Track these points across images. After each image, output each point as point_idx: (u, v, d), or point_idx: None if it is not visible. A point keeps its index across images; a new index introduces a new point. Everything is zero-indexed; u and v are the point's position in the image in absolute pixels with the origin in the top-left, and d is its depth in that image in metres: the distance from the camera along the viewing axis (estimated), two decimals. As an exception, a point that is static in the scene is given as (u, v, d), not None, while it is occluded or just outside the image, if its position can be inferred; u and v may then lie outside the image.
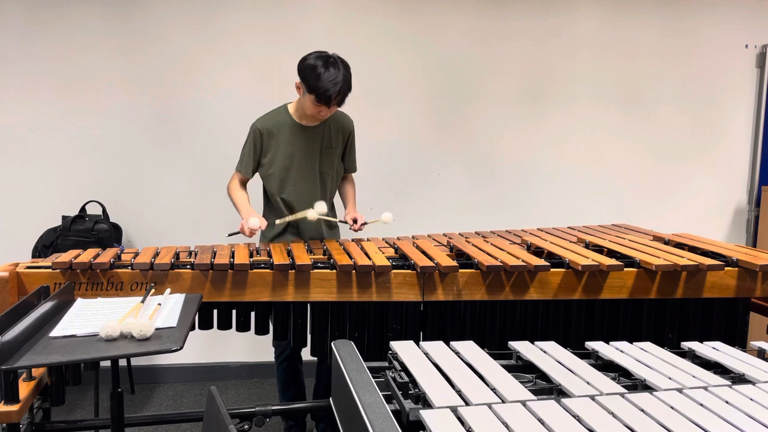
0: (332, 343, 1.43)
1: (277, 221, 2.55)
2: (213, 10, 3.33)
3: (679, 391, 1.24)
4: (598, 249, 2.37)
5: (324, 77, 2.31)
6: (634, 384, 1.33)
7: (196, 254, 2.20)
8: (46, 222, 3.19)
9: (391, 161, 3.51)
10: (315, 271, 2.09)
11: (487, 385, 1.24)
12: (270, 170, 2.59)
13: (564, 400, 1.16)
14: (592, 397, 1.19)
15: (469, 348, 1.45)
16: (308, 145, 2.56)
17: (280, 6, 3.36)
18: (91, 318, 1.63)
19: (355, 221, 2.57)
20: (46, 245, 3.10)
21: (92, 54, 3.27)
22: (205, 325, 2.12)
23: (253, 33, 3.36)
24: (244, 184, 2.65)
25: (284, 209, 2.59)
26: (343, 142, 2.66)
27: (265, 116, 2.61)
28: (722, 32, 3.71)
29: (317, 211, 2.46)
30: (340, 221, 2.67)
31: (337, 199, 2.77)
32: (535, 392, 1.24)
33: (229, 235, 2.53)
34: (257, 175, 2.66)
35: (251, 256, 2.19)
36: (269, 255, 2.20)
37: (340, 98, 2.38)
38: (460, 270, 2.09)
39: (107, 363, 1.66)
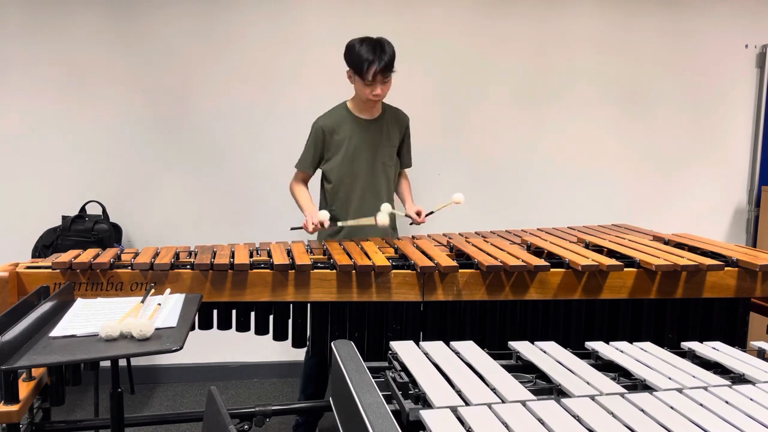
0: (332, 343, 1.42)
1: (339, 223, 2.57)
2: (213, 11, 3.33)
3: (679, 391, 1.24)
4: (598, 249, 2.37)
5: (362, 50, 2.42)
6: (634, 384, 1.33)
7: (196, 254, 2.20)
8: (46, 222, 3.20)
9: (391, 161, 3.51)
10: (315, 271, 2.09)
11: (487, 385, 1.24)
12: (333, 165, 2.63)
13: (564, 400, 1.16)
14: (592, 397, 1.19)
15: (469, 348, 1.45)
16: (370, 140, 2.62)
17: (280, 7, 3.36)
18: (91, 318, 1.63)
19: (418, 214, 2.62)
20: (46, 245, 3.10)
21: (93, 54, 3.27)
22: (205, 325, 2.12)
23: (253, 33, 3.36)
24: (305, 181, 2.71)
25: (344, 205, 2.62)
26: (400, 137, 2.72)
27: (325, 114, 2.67)
28: (722, 32, 3.71)
29: (381, 218, 2.47)
30: (406, 215, 2.68)
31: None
32: (535, 392, 1.23)
33: (292, 229, 2.58)
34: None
35: (251, 256, 2.19)
36: (269, 255, 2.20)
37: (384, 66, 2.44)
38: (460, 270, 2.09)
39: (107, 363, 1.67)
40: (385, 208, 2.50)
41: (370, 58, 2.41)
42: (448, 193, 3.46)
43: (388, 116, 2.68)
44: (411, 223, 2.69)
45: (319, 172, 2.75)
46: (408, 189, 2.83)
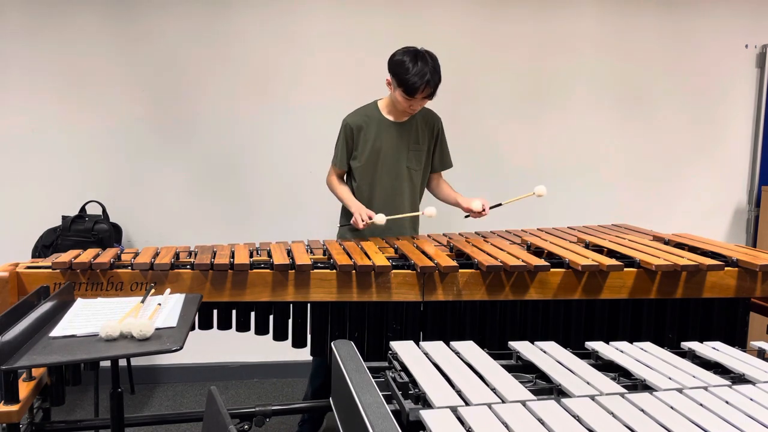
0: (332, 343, 1.42)
1: (388, 217, 2.54)
2: (213, 11, 3.33)
3: (679, 391, 1.24)
4: (598, 249, 2.37)
5: (413, 71, 2.40)
6: (634, 384, 1.33)
7: (196, 254, 2.20)
8: (46, 222, 3.19)
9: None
10: (315, 271, 2.09)
11: (487, 385, 1.23)
12: (358, 164, 2.64)
13: (564, 400, 1.16)
14: (592, 397, 1.19)
15: (469, 348, 1.45)
16: (396, 141, 2.61)
17: (280, 7, 3.36)
18: (91, 318, 1.63)
19: (474, 209, 2.56)
20: (46, 245, 3.10)
21: (92, 54, 3.27)
22: (205, 325, 2.12)
23: (254, 34, 3.36)
24: (341, 177, 2.72)
25: (366, 205, 2.60)
26: (431, 139, 2.70)
27: (355, 111, 2.67)
28: (722, 32, 3.70)
29: (380, 220, 2.48)
30: (466, 216, 2.66)
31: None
32: (535, 392, 1.23)
33: (342, 226, 2.60)
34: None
35: (251, 256, 2.19)
36: (269, 255, 2.20)
37: (431, 90, 2.45)
38: (460, 270, 2.09)
39: (107, 363, 1.67)
40: (380, 218, 2.48)
41: (419, 84, 2.40)
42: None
43: (419, 118, 2.65)
44: (466, 216, 2.65)
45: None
46: (451, 188, 2.77)
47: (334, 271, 2.09)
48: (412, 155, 2.65)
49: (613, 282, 2.12)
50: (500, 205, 2.59)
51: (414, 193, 2.70)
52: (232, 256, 2.15)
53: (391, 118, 2.62)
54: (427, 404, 1.16)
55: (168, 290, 1.89)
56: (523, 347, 1.48)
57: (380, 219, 2.49)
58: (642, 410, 1.13)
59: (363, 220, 2.48)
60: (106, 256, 2.10)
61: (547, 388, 1.29)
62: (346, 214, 2.66)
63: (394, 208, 2.61)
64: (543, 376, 1.35)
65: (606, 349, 1.50)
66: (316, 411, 2.75)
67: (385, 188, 2.63)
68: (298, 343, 2.18)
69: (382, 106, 2.65)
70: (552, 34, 3.57)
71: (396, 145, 2.62)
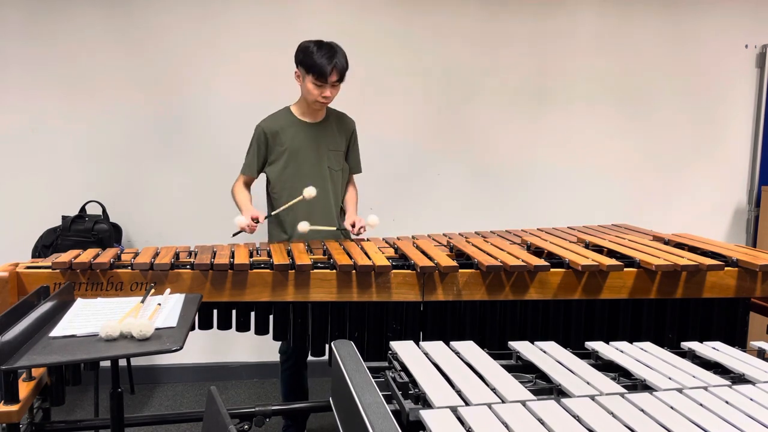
0: (332, 343, 1.43)
1: (273, 212, 2.52)
2: (213, 11, 3.33)
3: (679, 391, 1.24)
4: (598, 249, 2.37)
5: (318, 53, 2.41)
6: (634, 384, 1.33)
7: (196, 254, 2.20)
8: (46, 222, 3.19)
9: (391, 161, 3.51)
10: (315, 271, 2.09)
11: (487, 385, 1.24)
12: (276, 169, 2.59)
13: (564, 400, 1.16)
14: (592, 397, 1.19)
15: (469, 348, 1.45)
16: (314, 143, 2.58)
17: (280, 7, 3.36)
18: (91, 318, 1.63)
19: (353, 225, 2.51)
20: (46, 245, 3.10)
21: (92, 54, 3.27)
22: (205, 325, 2.12)
23: (253, 33, 3.36)
24: (248, 185, 2.66)
25: (291, 210, 2.51)
26: (346, 142, 2.68)
27: (268, 117, 2.63)
28: (722, 32, 3.70)
29: (307, 194, 2.41)
30: (338, 229, 2.59)
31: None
32: (535, 392, 1.23)
33: (234, 235, 2.52)
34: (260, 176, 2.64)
35: (251, 256, 2.19)
36: (269, 255, 2.19)
37: (338, 71, 2.43)
38: (460, 270, 2.09)
39: (107, 363, 1.67)
40: (303, 226, 2.37)
41: (327, 65, 2.39)
42: (448, 193, 3.45)
43: (333, 120, 2.63)
44: (350, 234, 2.57)
45: (263, 178, 2.67)
46: (353, 199, 2.71)
47: (334, 271, 2.09)
48: (332, 155, 2.61)
49: (613, 282, 2.12)
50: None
51: (337, 195, 2.64)
52: (232, 256, 2.15)
53: (305, 119, 2.59)
54: (427, 404, 1.16)
55: (168, 290, 1.89)
56: (523, 347, 1.48)
57: (304, 227, 2.37)
58: (642, 410, 1.13)
59: (247, 224, 2.38)
60: (106, 256, 2.10)
61: (547, 388, 1.29)
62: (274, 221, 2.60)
63: (320, 210, 2.54)
64: (543, 376, 1.35)
65: (606, 349, 1.50)
66: (299, 416, 2.74)
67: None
68: (298, 343, 2.17)
69: (295, 109, 2.61)
70: (552, 34, 3.57)
71: (315, 146, 2.57)
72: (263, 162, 2.61)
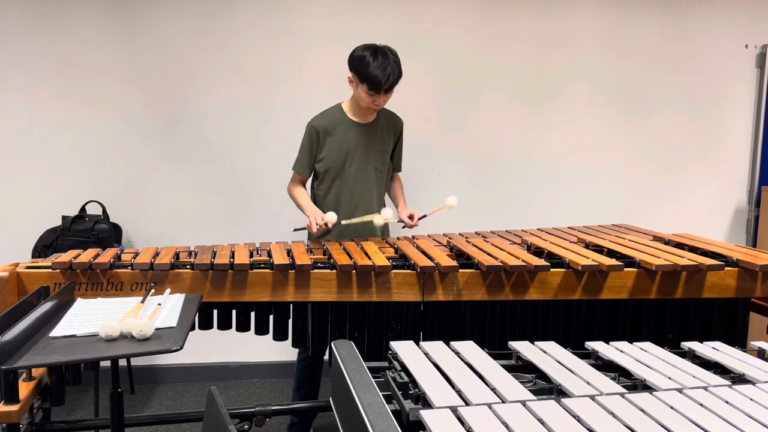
0: (332, 343, 1.43)
1: (344, 221, 2.55)
2: (213, 11, 3.32)
3: (679, 391, 1.24)
4: (598, 249, 2.37)
5: (373, 64, 2.40)
6: (634, 384, 1.33)
7: (196, 254, 2.20)
8: (46, 222, 3.20)
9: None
10: (315, 271, 2.09)
11: (487, 385, 1.24)
12: (325, 167, 2.62)
13: (564, 400, 1.16)
14: (592, 397, 1.19)
15: (469, 348, 1.45)
16: (364, 143, 2.61)
17: (280, 6, 3.36)
18: (91, 318, 1.63)
19: (411, 217, 2.60)
20: (46, 245, 3.10)
21: (92, 54, 3.27)
22: (205, 325, 2.12)
23: (253, 32, 3.36)
24: (303, 183, 2.70)
25: (334, 207, 2.58)
26: (394, 141, 2.71)
27: (320, 115, 2.65)
28: (722, 32, 3.70)
29: (384, 216, 2.50)
30: (399, 220, 2.66)
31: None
32: (535, 392, 1.24)
33: (295, 230, 2.58)
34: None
35: (251, 256, 2.19)
36: (269, 255, 2.20)
37: (391, 83, 2.45)
38: (460, 270, 2.09)
39: (107, 363, 1.67)
40: (386, 212, 2.50)
41: (381, 77, 2.40)
42: (448, 193, 3.46)
43: (383, 120, 2.67)
44: (404, 227, 2.67)
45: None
46: (401, 192, 2.81)
47: (334, 271, 2.09)
48: (379, 156, 2.65)
49: (613, 282, 2.12)
50: (425, 216, 2.61)
51: (381, 195, 2.70)
52: (232, 256, 2.15)
53: (356, 119, 2.62)
54: (427, 404, 1.16)
55: (168, 290, 1.89)
56: (523, 347, 1.49)
57: (331, 217, 2.45)
58: (642, 410, 1.13)
59: (317, 224, 2.44)
60: (106, 256, 2.10)
61: (547, 388, 1.30)
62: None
63: (363, 211, 2.59)
64: (543, 376, 1.35)
65: (606, 349, 1.50)
66: (305, 414, 2.76)
67: (352, 191, 2.61)
68: (298, 343, 2.18)
69: (346, 108, 2.64)
70: (552, 34, 3.57)
71: (364, 147, 2.61)
72: (314, 159, 2.65)
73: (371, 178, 2.64)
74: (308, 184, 2.76)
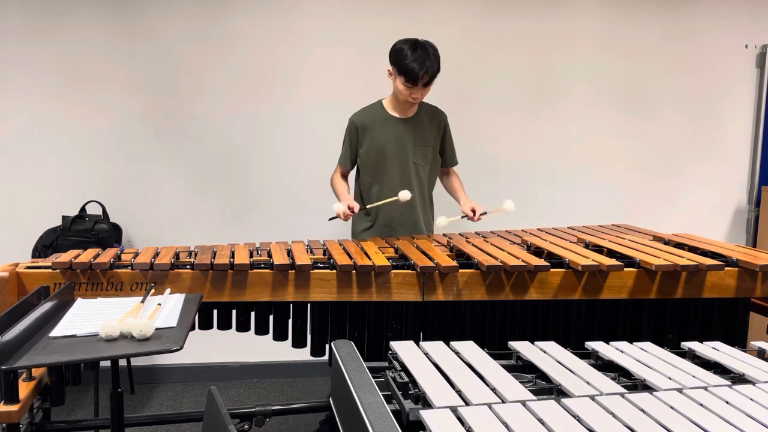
0: (332, 343, 1.43)
1: (368, 206, 2.62)
2: (213, 10, 3.33)
3: (679, 391, 1.24)
4: (598, 249, 2.37)
5: (411, 57, 2.45)
6: (634, 384, 1.33)
7: (196, 254, 2.20)
8: (46, 222, 3.20)
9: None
10: (315, 271, 2.09)
11: (487, 385, 1.24)
12: (365, 161, 2.67)
13: (564, 400, 1.16)
14: (592, 397, 1.19)
15: (469, 348, 1.45)
16: (402, 138, 2.64)
17: (280, 7, 3.36)
18: (91, 318, 1.63)
19: (473, 211, 2.63)
20: (46, 245, 3.10)
21: (93, 55, 3.27)
22: (205, 325, 2.12)
23: (254, 33, 3.36)
24: (345, 176, 2.75)
25: (375, 201, 2.64)
26: (438, 135, 2.74)
27: (360, 110, 2.71)
28: (722, 32, 3.70)
29: (402, 197, 2.53)
30: (462, 216, 2.68)
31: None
32: (535, 392, 1.24)
33: (330, 219, 2.61)
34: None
35: (251, 256, 2.19)
36: (269, 255, 2.20)
37: (430, 76, 2.48)
38: (460, 270, 2.09)
39: (107, 363, 1.67)
40: (441, 221, 2.55)
41: (418, 69, 2.44)
42: (447, 192, 3.47)
43: (424, 115, 2.69)
44: (465, 218, 2.68)
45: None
46: (459, 186, 2.84)
47: (334, 271, 2.09)
48: (419, 151, 2.68)
49: (613, 282, 2.12)
50: (486, 213, 2.63)
51: (422, 189, 2.73)
52: (232, 256, 2.15)
53: (396, 114, 2.66)
54: (427, 404, 1.16)
55: (168, 290, 1.89)
56: (523, 347, 1.49)
57: (350, 201, 2.54)
58: (642, 410, 1.13)
59: (343, 212, 2.50)
60: (106, 256, 2.10)
61: (547, 388, 1.30)
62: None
63: (403, 206, 2.62)
64: (543, 376, 1.35)
65: (606, 349, 1.50)
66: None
67: (393, 184, 2.65)
68: (298, 343, 2.18)
69: (387, 103, 2.69)
70: (552, 34, 3.57)
71: (402, 142, 2.65)
72: (355, 154, 2.69)
73: (411, 174, 2.67)
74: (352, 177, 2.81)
